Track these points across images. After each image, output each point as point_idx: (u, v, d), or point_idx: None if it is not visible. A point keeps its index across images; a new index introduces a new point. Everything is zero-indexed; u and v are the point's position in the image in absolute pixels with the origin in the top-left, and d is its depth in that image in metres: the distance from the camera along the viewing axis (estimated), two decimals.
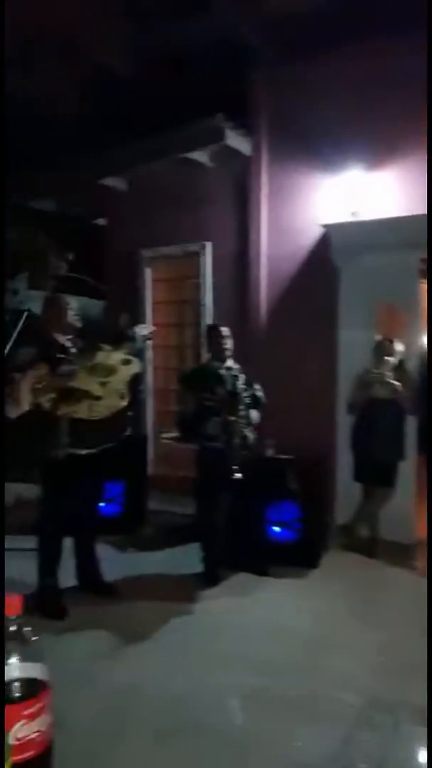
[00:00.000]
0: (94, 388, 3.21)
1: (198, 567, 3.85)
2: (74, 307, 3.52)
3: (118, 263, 6.10)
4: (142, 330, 3.70)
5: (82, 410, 3.16)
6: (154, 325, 5.89)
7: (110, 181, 5.78)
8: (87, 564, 3.60)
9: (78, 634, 3.01)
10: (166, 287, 5.96)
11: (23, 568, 3.84)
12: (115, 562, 3.95)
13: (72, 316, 3.45)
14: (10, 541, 4.50)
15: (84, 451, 3.25)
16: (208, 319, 5.37)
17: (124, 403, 3.30)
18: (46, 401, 3.05)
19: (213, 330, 3.99)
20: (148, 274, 5.90)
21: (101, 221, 6.52)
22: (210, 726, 2.36)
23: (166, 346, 5.94)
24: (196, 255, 5.50)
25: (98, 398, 3.20)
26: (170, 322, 5.91)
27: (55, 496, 3.35)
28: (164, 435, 5.07)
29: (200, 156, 5.16)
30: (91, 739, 2.12)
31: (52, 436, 3.18)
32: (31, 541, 4.30)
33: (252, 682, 2.66)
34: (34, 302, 8.43)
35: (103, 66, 4.57)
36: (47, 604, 3.20)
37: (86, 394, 3.18)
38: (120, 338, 3.53)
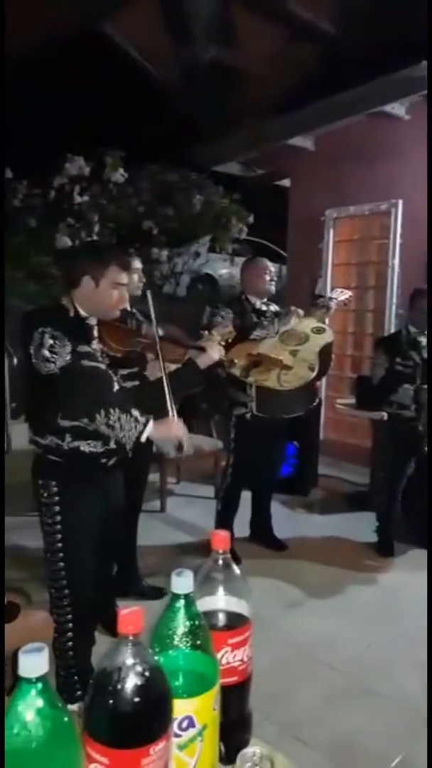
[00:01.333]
0: (285, 357, 3.12)
1: (368, 535, 3.79)
2: (272, 271, 3.47)
3: (300, 224, 6.02)
4: (340, 295, 3.48)
5: (271, 380, 3.09)
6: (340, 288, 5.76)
7: (296, 141, 5.68)
8: (261, 518, 3.72)
9: (250, 581, 3.12)
10: (348, 248, 5.77)
11: (201, 513, 4.09)
12: (284, 520, 4.03)
13: (269, 281, 3.42)
14: (189, 489, 4.84)
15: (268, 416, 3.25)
16: (395, 282, 5.10)
17: (313, 374, 3.11)
18: (236, 366, 3.06)
19: (421, 294, 3.72)
20: (330, 235, 5.74)
21: (285, 182, 6.47)
22: (382, 693, 2.34)
23: (344, 310, 5.76)
24: (386, 214, 5.22)
25: (288, 368, 3.09)
26: (350, 285, 5.72)
27: (240, 451, 3.44)
28: (339, 401, 4.98)
29: (396, 108, 4.84)
30: (268, 683, 2.21)
31: (238, 399, 3.26)
32: (207, 490, 4.56)
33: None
34: (214, 265, 8.73)
35: (306, 22, 4.43)
36: None
37: (276, 363, 3.09)
38: (314, 304, 3.45)
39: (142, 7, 4.61)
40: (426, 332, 3.56)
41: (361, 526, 3.93)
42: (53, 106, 5.12)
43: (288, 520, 4.12)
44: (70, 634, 2.00)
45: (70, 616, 1.99)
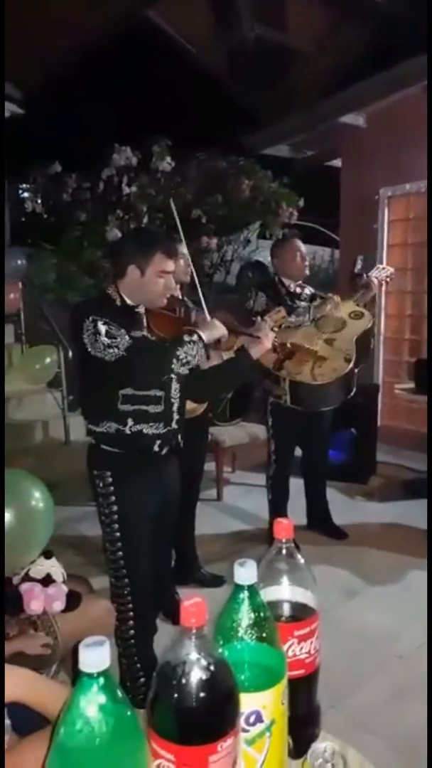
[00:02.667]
0: (320, 346, 2.97)
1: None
2: (304, 251, 3.32)
3: (353, 205, 5.85)
4: (380, 272, 3.28)
5: (304, 374, 2.94)
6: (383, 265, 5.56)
7: (347, 118, 5.49)
8: (317, 506, 3.66)
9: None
10: (404, 228, 5.57)
11: (257, 502, 4.06)
12: (343, 508, 3.96)
13: (302, 262, 3.28)
14: (245, 477, 4.81)
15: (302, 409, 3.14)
16: None
17: (349, 366, 2.94)
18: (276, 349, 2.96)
19: None
20: (385, 214, 5.56)
21: (336, 162, 6.30)
22: None
23: (400, 292, 5.60)
24: None
25: (322, 359, 2.94)
26: (407, 266, 5.54)
27: (280, 438, 3.38)
28: (398, 386, 4.83)
29: None
30: (332, 672, 2.16)
31: (272, 391, 3.18)
32: (262, 479, 4.53)
33: None
34: (264, 252, 8.62)
35: None
36: None
37: (311, 354, 2.94)
38: (352, 285, 3.27)
39: None
40: None
41: (423, 514, 3.79)
42: (99, 97, 5.14)
43: (347, 508, 4.04)
44: (131, 622, 2.00)
45: (130, 605, 1.99)
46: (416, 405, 4.98)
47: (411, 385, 4.57)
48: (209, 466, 3.67)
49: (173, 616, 2.37)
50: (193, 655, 0.67)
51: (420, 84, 4.72)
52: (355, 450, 4.66)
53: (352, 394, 3.14)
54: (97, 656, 0.60)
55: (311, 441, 3.54)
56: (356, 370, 3.18)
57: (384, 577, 3.13)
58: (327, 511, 3.68)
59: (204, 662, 0.67)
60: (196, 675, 0.66)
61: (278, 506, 3.44)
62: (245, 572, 0.78)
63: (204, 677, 0.66)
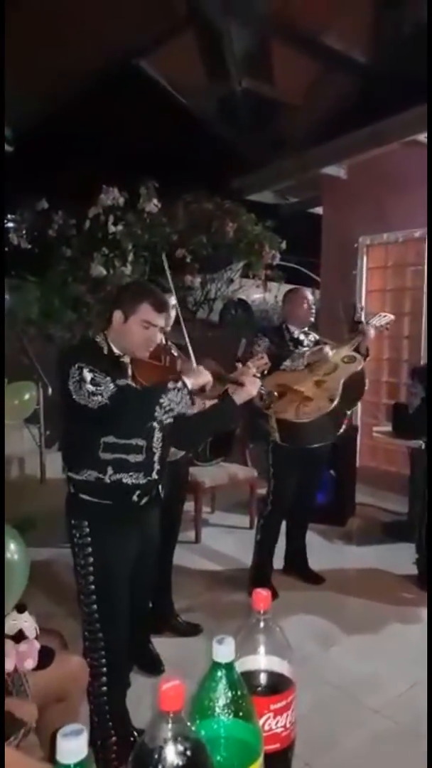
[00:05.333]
0: (308, 387, 3.09)
1: (408, 567, 3.68)
2: (310, 299, 3.46)
3: (333, 251, 6.00)
4: (380, 320, 3.45)
5: (289, 412, 3.05)
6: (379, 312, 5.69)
7: (329, 169, 5.69)
8: (296, 549, 3.65)
9: (288, 617, 3.01)
10: (382, 275, 5.72)
11: (237, 544, 4.03)
12: (321, 552, 3.95)
13: (308, 309, 3.42)
14: (224, 518, 4.78)
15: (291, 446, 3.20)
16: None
17: (331, 406, 3.04)
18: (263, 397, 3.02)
19: None
20: (364, 261, 5.71)
21: (318, 210, 6.48)
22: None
23: (378, 336, 5.68)
24: (420, 241, 5.16)
25: (308, 400, 3.05)
26: (385, 311, 5.65)
27: (280, 478, 3.38)
28: (376, 429, 4.88)
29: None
30: (307, 726, 2.13)
31: (265, 429, 3.21)
32: (242, 520, 4.51)
33: None
34: (247, 291, 8.76)
35: (341, 55, 4.44)
36: (260, 582, 3.28)
37: (298, 394, 3.06)
38: (351, 330, 3.40)
39: (179, 43, 4.72)
40: None
41: (401, 558, 3.82)
42: (89, 139, 5.24)
43: (325, 552, 4.03)
44: (104, 679, 1.95)
45: (104, 660, 1.94)
46: (394, 446, 5.04)
47: (388, 427, 4.62)
48: (187, 506, 3.65)
49: (147, 667, 2.33)
50: (170, 740, 0.67)
51: (399, 141, 4.92)
52: (334, 491, 4.67)
53: (340, 431, 3.23)
54: (74, 746, 0.60)
55: (304, 484, 3.53)
56: (348, 412, 3.31)
57: (361, 625, 3.11)
58: (305, 555, 3.67)
59: (181, 747, 0.67)
60: (173, 761, 0.66)
61: (266, 548, 3.42)
62: (223, 650, 0.78)
63: (180, 763, 0.66)
